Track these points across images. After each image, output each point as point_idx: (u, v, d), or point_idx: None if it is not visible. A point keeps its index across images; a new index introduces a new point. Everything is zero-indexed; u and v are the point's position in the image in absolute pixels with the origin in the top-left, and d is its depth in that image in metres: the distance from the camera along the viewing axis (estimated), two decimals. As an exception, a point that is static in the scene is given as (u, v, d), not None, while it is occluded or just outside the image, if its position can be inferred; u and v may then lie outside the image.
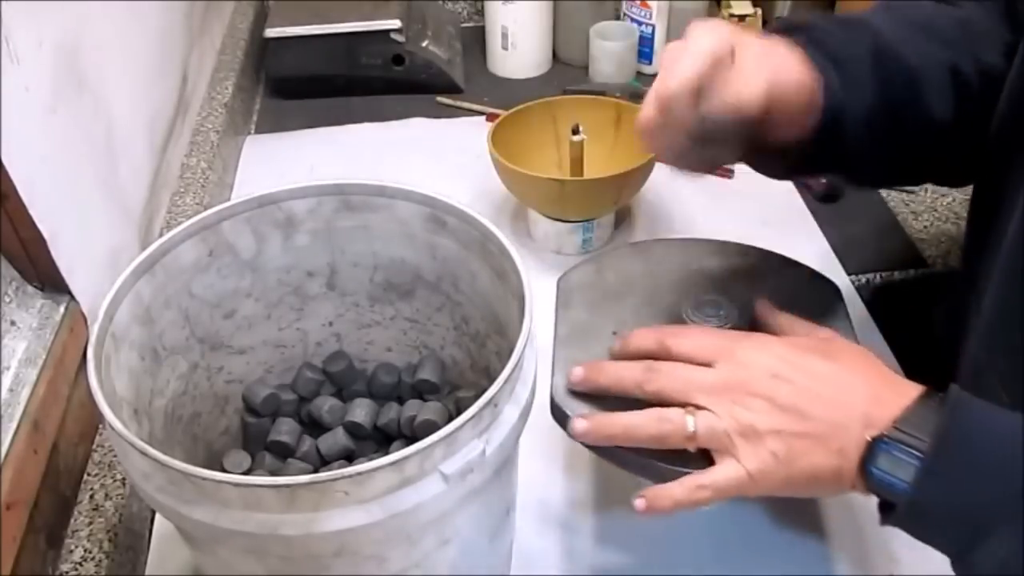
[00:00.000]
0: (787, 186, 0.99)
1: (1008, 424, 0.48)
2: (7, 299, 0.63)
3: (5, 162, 0.58)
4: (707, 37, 0.52)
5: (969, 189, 0.71)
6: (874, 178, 0.73)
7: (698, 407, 0.52)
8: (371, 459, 0.42)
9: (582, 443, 0.55)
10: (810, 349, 0.54)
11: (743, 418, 0.51)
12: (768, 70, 0.53)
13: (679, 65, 0.51)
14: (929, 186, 1.00)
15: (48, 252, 0.63)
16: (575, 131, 0.88)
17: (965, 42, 0.64)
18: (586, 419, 0.55)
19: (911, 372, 0.77)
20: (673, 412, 0.52)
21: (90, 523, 0.62)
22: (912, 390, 0.51)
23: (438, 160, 1.03)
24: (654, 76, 1.32)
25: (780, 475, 0.51)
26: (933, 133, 0.63)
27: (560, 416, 0.58)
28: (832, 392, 0.52)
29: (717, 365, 0.54)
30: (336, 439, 0.62)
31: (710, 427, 0.52)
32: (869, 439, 0.49)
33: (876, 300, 0.86)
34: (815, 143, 0.59)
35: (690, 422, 0.52)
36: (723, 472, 0.52)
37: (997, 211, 0.64)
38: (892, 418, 0.49)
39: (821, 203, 0.97)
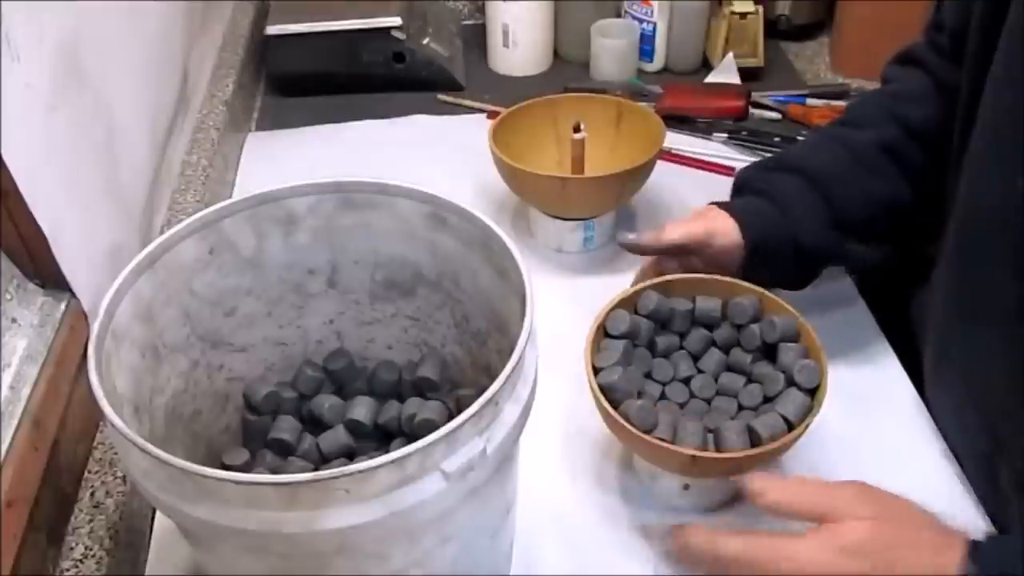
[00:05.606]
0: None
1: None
2: (8, 296, 0.63)
3: (6, 159, 0.58)
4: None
5: None
6: (875, 263, 0.79)
7: None
8: (372, 457, 0.42)
9: None
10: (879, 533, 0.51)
11: None
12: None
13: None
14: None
15: (49, 249, 0.63)
16: (576, 129, 0.88)
17: (892, 116, 0.74)
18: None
19: (904, 358, 0.78)
20: None
21: (91, 520, 0.62)
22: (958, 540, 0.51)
23: (439, 158, 1.03)
24: (655, 74, 1.32)
25: None
26: (897, 209, 0.74)
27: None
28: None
29: None
30: (337, 437, 0.62)
31: None
32: None
33: (872, 293, 0.86)
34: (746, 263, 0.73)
35: None
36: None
37: (944, 192, 0.68)
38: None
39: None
